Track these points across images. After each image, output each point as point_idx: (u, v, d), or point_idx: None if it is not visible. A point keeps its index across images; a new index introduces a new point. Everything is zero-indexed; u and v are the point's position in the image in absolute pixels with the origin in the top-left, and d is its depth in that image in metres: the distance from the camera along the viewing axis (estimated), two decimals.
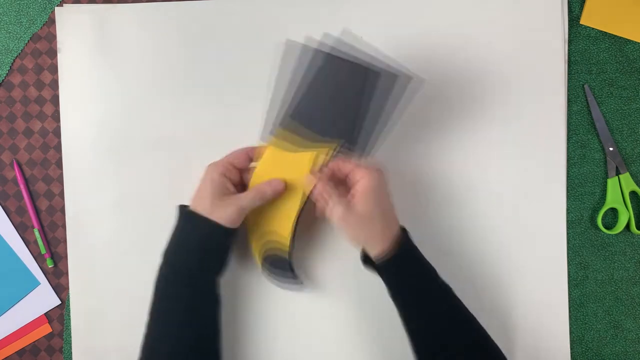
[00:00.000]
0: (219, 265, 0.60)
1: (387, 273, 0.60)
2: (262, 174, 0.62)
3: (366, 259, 0.62)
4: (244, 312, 0.68)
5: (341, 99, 0.59)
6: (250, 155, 0.63)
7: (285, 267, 0.63)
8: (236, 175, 0.62)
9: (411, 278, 0.59)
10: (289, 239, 0.62)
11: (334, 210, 0.58)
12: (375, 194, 0.58)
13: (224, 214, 0.58)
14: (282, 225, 0.62)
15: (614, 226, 0.69)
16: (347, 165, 0.59)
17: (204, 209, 0.59)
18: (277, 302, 0.68)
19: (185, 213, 0.60)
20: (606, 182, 0.69)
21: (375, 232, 0.58)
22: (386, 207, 0.59)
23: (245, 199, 0.59)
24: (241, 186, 0.63)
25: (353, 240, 0.60)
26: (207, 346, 0.59)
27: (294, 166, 0.61)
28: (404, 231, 0.61)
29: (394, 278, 0.60)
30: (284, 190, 0.61)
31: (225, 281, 0.61)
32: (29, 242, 0.71)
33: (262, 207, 0.62)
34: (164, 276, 0.59)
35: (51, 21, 0.70)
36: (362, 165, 0.59)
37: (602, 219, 0.69)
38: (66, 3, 0.70)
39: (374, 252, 0.59)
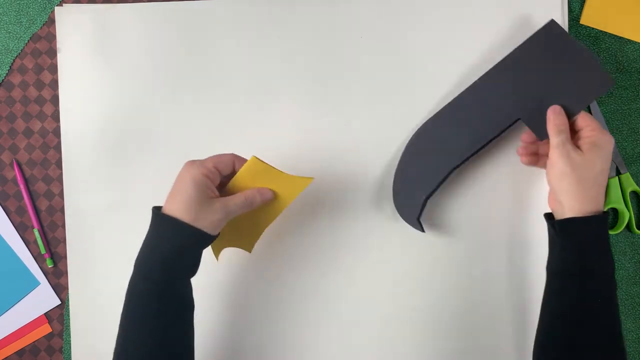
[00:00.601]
0: (194, 270, 0.57)
1: (577, 232, 0.56)
2: (242, 182, 0.59)
3: (549, 216, 0.60)
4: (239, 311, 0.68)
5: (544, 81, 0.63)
6: (235, 163, 0.59)
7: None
8: (217, 179, 0.57)
9: (595, 246, 0.56)
10: (253, 246, 0.62)
11: (562, 144, 0.57)
12: (603, 151, 0.57)
13: (209, 220, 0.54)
14: (251, 233, 0.62)
15: (614, 226, 0.69)
16: (584, 119, 0.60)
17: (186, 213, 0.54)
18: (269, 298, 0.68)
19: (162, 218, 0.55)
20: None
21: (584, 186, 0.56)
22: (604, 171, 0.57)
23: (234, 205, 0.56)
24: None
25: (557, 185, 0.57)
26: (180, 354, 0.56)
27: (283, 183, 0.60)
28: (606, 214, 0.58)
29: (582, 240, 0.56)
30: (269, 201, 0.59)
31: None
32: (29, 242, 0.71)
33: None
34: (135, 285, 0.55)
35: (51, 21, 0.70)
36: (598, 123, 0.59)
37: None
38: (66, 3, 0.70)
39: (575, 207, 0.56)
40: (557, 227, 0.57)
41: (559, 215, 0.58)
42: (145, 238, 0.56)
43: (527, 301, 0.68)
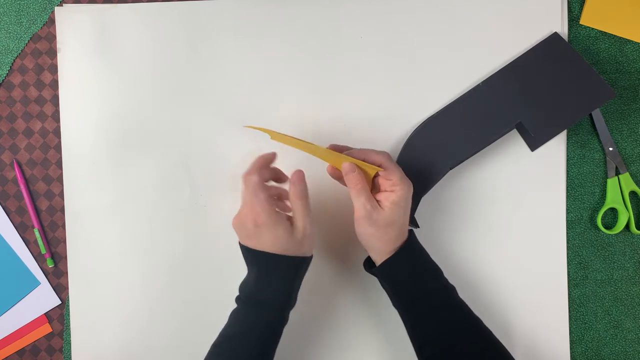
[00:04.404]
0: (291, 295, 0.59)
1: (385, 273, 0.60)
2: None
3: (369, 265, 0.62)
4: None
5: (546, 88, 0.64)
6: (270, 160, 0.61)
7: None
8: (273, 194, 0.61)
9: (410, 277, 0.59)
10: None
11: (363, 206, 0.57)
12: (403, 205, 0.58)
13: (294, 243, 0.57)
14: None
15: (614, 226, 0.69)
16: (394, 167, 0.59)
17: (263, 243, 0.57)
18: None
19: (254, 254, 0.58)
20: (606, 182, 0.69)
21: (389, 238, 0.58)
22: (406, 219, 0.59)
23: (305, 223, 0.58)
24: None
25: (365, 241, 0.60)
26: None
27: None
28: (410, 233, 0.61)
29: (392, 278, 0.60)
30: (303, 175, 0.59)
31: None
32: (29, 242, 0.71)
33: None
34: (244, 305, 0.59)
35: (51, 21, 0.70)
36: (400, 174, 0.59)
37: (602, 219, 0.69)
38: (66, 3, 0.70)
39: (380, 257, 0.59)
40: (378, 275, 0.61)
41: (374, 259, 0.61)
42: (259, 270, 0.58)
43: (521, 297, 0.68)
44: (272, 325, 0.58)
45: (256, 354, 0.57)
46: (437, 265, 0.61)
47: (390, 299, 0.61)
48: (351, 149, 0.61)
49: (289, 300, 0.58)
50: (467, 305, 0.60)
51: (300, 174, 0.59)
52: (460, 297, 0.60)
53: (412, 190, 0.59)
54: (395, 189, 0.58)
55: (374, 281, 0.62)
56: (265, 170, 0.60)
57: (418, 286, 0.59)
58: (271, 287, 0.57)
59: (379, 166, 0.59)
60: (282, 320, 0.58)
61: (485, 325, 0.60)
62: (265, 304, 0.57)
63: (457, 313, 0.59)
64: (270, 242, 0.57)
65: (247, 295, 0.58)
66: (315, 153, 0.60)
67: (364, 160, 0.59)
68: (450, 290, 0.60)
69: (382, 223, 0.57)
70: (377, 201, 0.58)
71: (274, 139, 0.61)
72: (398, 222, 0.58)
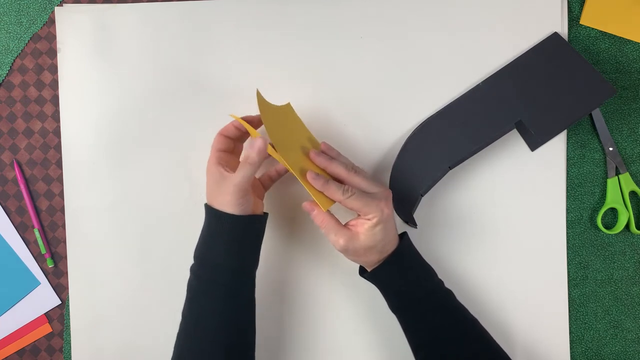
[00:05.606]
0: (242, 255, 0.58)
1: (376, 280, 0.60)
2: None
3: (363, 270, 0.62)
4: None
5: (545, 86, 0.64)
6: (236, 127, 0.63)
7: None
8: (230, 158, 0.62)
9: (401, 282, 0.59)
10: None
11: (337, 242, 0.57)
12: (380, 228, 0.57)
13: (226, 199, 0.57)
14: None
15: (614, 226, 0.69)
16: (355, 203, 0.57)
17: (211, 202, 0.59)
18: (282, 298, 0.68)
19: (205, 209, 0.60)
20: (606, 182, 0.69)
21: (373, 259, 0.58)
22: (388, 235, 0.58)
23: (237, 175, 0.57)
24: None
25: (353, 261, 0.60)
26: (246, 329, 0.59)
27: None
28: (402, 237, 0.60)
29: (383, 284, 0.60)
30: (266, 145, 0.57)
31: None
32: (29, 242, 0.71)
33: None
34: (194, 273, 0.59)
35: (51, 21, 0.70)
36: (364, 201, 0.57)
37: (602, 219, 0.69)
38: (66, 3, 0.70)
39: (370, 267, 0.60)
40: (370, 280, 0.61)
41: (365, 267, 0.61)
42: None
43: (521, 297, 0.68)
44: (230, 288, 0.57)
45: (225, 321, 0.57)
46: (431, 269, 0.61)
47: (387, 303, 0.61)
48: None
49: (245, 260, 0.59)
50: (463, 307, 0.60)
51: (260, 144, 0.57)
52: (456, 299, 0.60)
53: (387, 207, 0.58)
54: (369, 216, 0.57)
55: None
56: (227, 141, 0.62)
57: (410, 291, 0.59)
58: (219, 246, 0.58)
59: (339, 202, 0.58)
60: (241, 282, 0.58)
61: (482, 327, 0.60)
62: (215, 265, 0.58)
63: (452, 316, 0.59)
64: (223, 203, 0.57)
65: (199, 256, 0.59)
66: (290, 160, 0.58)
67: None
68: (444, 293, 0.60)
69: (362, 250, 0.57)
70: (353, 226, 0.58)
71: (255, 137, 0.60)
72: (378, 245, 0.57)
